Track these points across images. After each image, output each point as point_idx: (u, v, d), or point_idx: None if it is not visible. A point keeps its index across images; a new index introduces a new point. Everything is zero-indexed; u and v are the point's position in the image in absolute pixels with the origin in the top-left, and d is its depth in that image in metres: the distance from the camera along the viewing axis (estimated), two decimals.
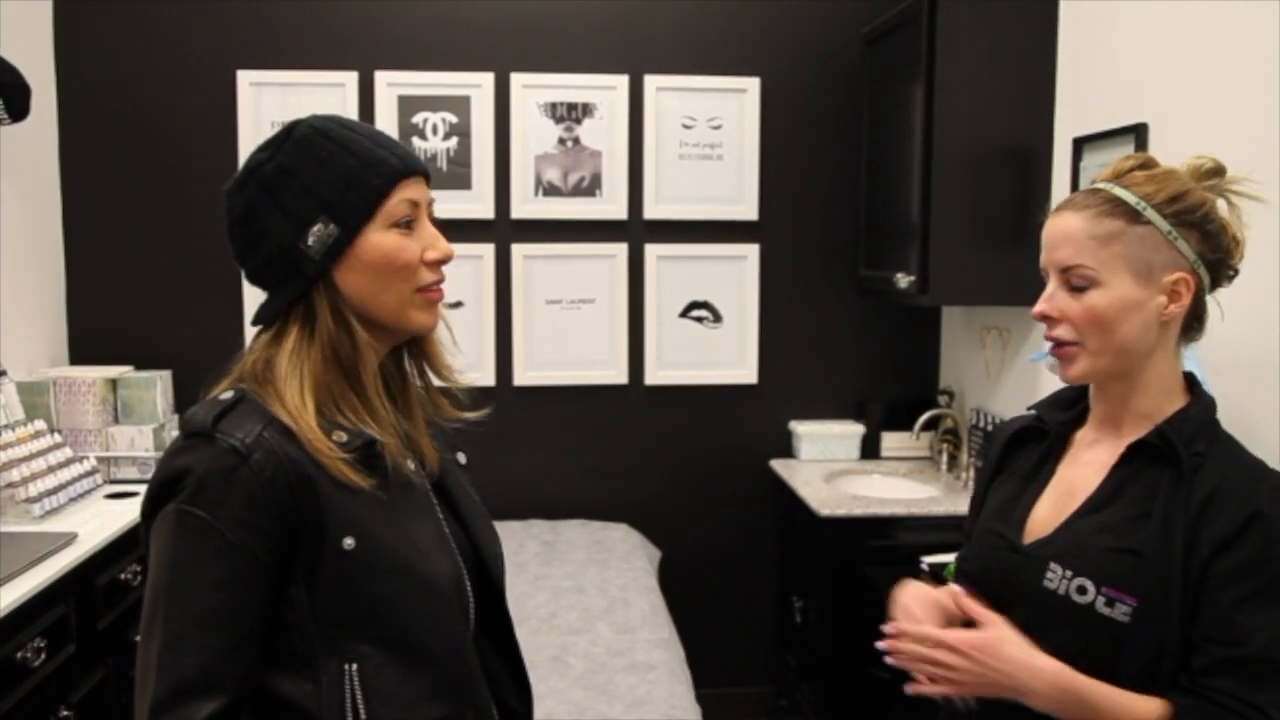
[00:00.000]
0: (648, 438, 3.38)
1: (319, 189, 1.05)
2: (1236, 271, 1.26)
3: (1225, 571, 1.13)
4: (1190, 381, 1.28)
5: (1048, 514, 1.30)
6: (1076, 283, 1.22)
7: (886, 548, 2.72)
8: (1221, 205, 1.25)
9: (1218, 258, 1.22)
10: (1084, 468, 1.30)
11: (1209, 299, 1.26)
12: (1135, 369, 1.24)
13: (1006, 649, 1.20)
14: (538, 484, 3.35)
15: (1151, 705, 1.14)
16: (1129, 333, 1.21)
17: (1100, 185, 1.25)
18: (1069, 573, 1.21)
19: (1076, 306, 1.22)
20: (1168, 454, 1.20)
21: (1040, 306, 1.26)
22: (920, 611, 1.29)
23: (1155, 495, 1.19)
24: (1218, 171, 1.26)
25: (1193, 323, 1.25)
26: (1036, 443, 1.38)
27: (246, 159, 1.09)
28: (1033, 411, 1.42)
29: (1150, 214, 1.20)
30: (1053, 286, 1.26)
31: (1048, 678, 1.17)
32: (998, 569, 1.30)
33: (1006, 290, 2.74)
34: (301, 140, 1.06)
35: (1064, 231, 1.24)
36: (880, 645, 1.26)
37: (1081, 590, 1.20)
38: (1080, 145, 2.52)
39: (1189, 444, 1.19)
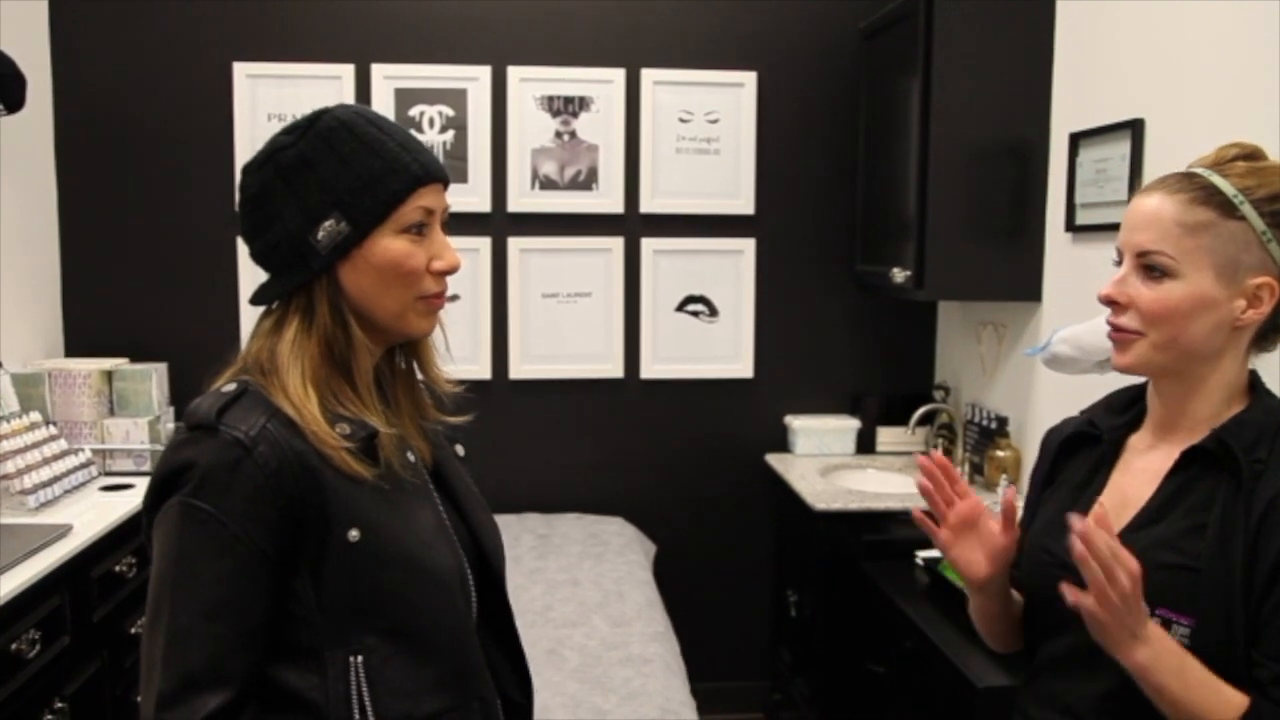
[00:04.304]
0: (643, 432, 3.38)
1: (336, 185, 1.04)
2: None
3: None
4: (1254, 383, 1.18)
5: None
6: (1153, 270, 1.13)
7: (881, 542, 2.73)
8: None
9: None
10: (1138, 476, 1.20)
11: None
12: (1196, 371, 1.15)
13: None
14: (533, 477, 3.35)
15: (1238, 697, 1.04)
16: (1198, 332, 1.12)
17: (1197, 171, 1.15)
18: None
19: (1147, 295, 1.13)
20: (1225, 461, 1.10)
21: (1108, 289, 1.16)
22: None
23: (1212, 506, 1.10)
24: None
25: (1269, 332, 1.16)
26: (1089, 449, 1.28)
27: (270, 139, 1.08)
28: (1083, 415, 1.31)
29: (1247, 209, 1.10)
30: (1126, 269, 1.16)
31: (1156, 632, 1.05)
32: (1046, 587, 1.18)
33: (1003, 285, 2.75)
34: (326, 131, 1.05)
35: (1150, 213, 1.13)
36: (1076, 524, 1.04)
37: None
38: (1077, 140, 2.52)
39: (1249, 450, 1.09)
